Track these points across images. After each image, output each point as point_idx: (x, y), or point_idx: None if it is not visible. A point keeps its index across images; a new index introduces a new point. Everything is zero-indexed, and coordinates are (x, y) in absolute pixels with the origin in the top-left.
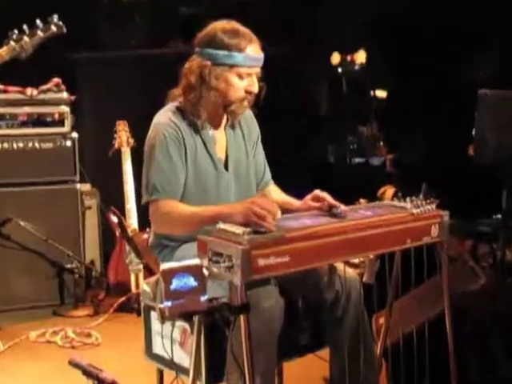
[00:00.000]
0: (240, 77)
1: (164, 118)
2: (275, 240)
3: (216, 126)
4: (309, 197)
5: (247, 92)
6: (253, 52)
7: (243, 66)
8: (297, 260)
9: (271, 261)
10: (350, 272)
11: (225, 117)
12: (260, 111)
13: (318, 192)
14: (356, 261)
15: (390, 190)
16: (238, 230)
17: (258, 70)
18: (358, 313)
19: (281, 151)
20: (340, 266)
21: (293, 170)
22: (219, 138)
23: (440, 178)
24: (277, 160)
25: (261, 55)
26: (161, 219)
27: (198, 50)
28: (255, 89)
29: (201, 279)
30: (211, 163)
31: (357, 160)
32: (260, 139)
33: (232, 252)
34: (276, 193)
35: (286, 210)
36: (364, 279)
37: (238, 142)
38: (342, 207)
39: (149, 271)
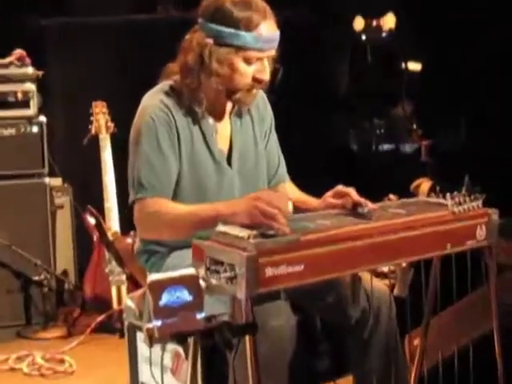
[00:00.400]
0: (248, 61)
1: (154, 99)
2: (287, 245)
3: (218, 115)
4: (329, 193)
5: (256, 80)
6: (267, 31)
7: (253, 48)
8: (313, 269)
9: (282, 270)
10: (379, 284)
11: (229, 103)
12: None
13: (340, 187)
14: (385, 270)
15: (425, 184)
16: (242, 232)
17: (271, 52)
18: (389, 333)
19: (292, 138)
20: (366, 276)
21: (307, 160)
22: (222, 127)
23: (486, 168)
24: (288, 149)
25: (276, 34)
26: (146, 220)
27: (200, 22)
28: (266, 76)
29: (197, 293)
30: (210, 157)
31: (385, 147)
32: (274, 126)
33: (235, 260)
34: (292, 191)
35: (302, 210)
36: (395, 292)
37: (246, 131)
38: (369, 205)
39: (133, 283)
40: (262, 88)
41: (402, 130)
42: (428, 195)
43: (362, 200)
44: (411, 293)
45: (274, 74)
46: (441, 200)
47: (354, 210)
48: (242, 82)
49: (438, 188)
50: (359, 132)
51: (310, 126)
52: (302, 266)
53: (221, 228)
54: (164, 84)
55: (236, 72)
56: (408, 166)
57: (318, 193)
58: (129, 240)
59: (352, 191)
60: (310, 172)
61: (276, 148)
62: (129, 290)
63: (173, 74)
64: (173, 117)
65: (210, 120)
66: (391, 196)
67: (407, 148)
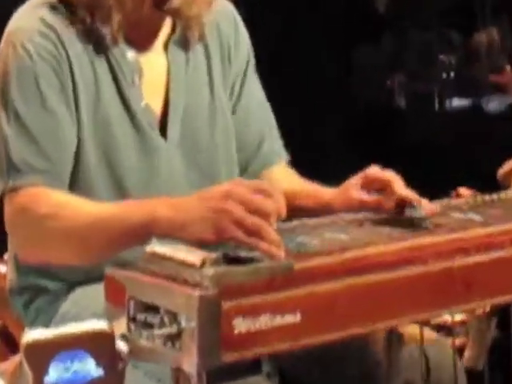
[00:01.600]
0: None
1: (30, 18)
2: (271, 277)
3: (144, 42)
4: (355, 180)
5: None
6: None
7: None
8: (319, 321)
9: (264, 322)
10: (438, 344)
11: (166, 23)
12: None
13: (374, 170)
14: (448, 320)
15: None
16: (192, 255)
17: None
18: None
19: (287, 89)
20: (414, 332)
21: (315, 129)
22: (151, 65)
23: None
24: (279, 109)
25: None
26: (23, 226)
27: None
28: None
29: (111, 363)
30: (128, 119)
31: (455, 103)
32: (252, 66)
33: (179, 304)
34: (288, 179)
35: (304, 210)
36: (466, 359)
37: (196, 74)
38: (426, 205)
39: (6, 343)
40: None
41: (484, 71)
42: None
43: (414, 196)
44: (493, 360)
45: None
46: None
47: (397, 214)
48: None
49: None
50: (410, 78)
51: (318, 67)
52: (299, 316)
53: (155, 248)
54: None
55: None
56: (494, 136)
57: (332, 183)
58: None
59: (396, 179)
60: (319, 150)
61: (258, 105)
62: None
63: None
64: (63, 46)
65: (129, 52)
66: (462, 190)
67: (494, 104)
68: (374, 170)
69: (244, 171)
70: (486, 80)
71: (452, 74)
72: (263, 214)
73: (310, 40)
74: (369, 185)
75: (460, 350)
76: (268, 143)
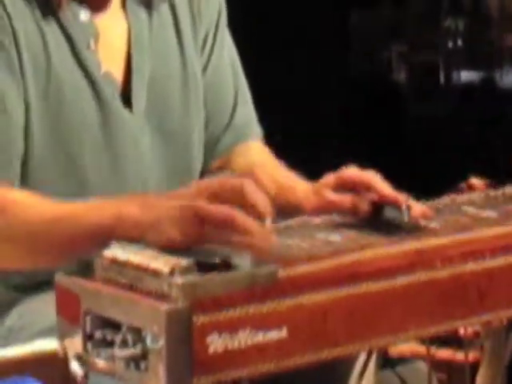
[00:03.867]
0: None
1: None
2: (252, 286)
3: (97, 2)
4: (328, 180)
5: None
6: None
7: None
8: (307, 337)
9: (243, 339)
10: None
11: None
12: None
13: (350, 171)
14: (460, 331)
15: None
16: (160, 261)
17: None
18: None
19: (267, 57)
20: (415, 349)
21: (297, 105)
22: (109, 27)
23: None
24: (257, 80)
25: None
26: None
27: None
28: None
29: None
30: (89, 88)
31: (464, 76)
32: (224, 23)
33: (144, 319)
34: (263, 162)
35: (282, 206)
36: (480, 378)
37: (162, 35)
38: (415, 207)
39: None
40: None
41: (498, 40)
42: None
43: (399, 196)
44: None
45: None
46: None
47: (378, 217)
48: None
49: None
50: (410, 47)
51: (308, 32)
52: (284, 332)
53: (114, 251)
54: None
55: None
56: (509, 115)
57: (325, 161)
58: None
59: (377, 180)
60: (301, 131)
61: (231, 68)
62: None
63: None
64: (3, 8)
65: (82, 12)
66: (474, 181)
67: (508, 79)
68: (351, 171)
69: (213, 147)
70: (499, 49)
71: (460, 43)
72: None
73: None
74: (344, 186)
75: (473, 368)
76: (241, 113)
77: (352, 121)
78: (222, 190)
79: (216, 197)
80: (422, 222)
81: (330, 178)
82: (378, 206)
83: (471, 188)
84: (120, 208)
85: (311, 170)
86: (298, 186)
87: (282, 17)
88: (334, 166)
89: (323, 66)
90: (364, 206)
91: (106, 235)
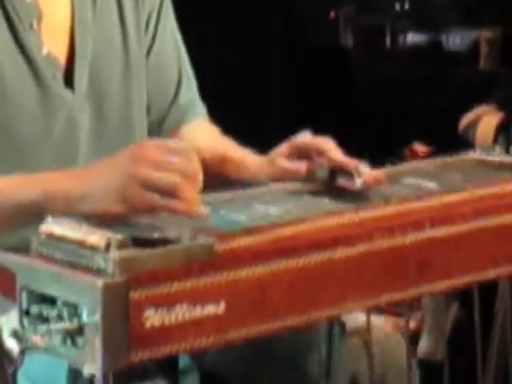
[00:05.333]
0: None
1: None
2: (189, 260)
3: None
4: (282, 149)
5: None
6: None
7: None
8: (245, 312)
9: (180, 314)
10: (384, 329)
11: None
12: None
13: (302, 137)
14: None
15: (489, 119)
16: (95, 236)
17: None
18: None
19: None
20: (358, 317)
21: (242, 78)
22: (52, 6)
23: None
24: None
25: None
26: None
27: None
28: None
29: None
30: (29, 71)
31: (410, 38)
32: (168, 6)
33: (80, 294)
34: (206, 138)
35: (227, 181)
36: (421, 348)
37: (105, 16)
38: (366, 172)
39: None
40: None
41: (445, 2)
42: (494, 142)
43: (351, 163)
44: (453, 349)
45: None
46: None
47: (332, 183)
48: None
49: None
50: (357, 8)
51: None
52: (222, 306)
53: (50, 226)
54: None
55: None
56: (455, 80)
57: (272, 131)
58: None
59: (330, 146)
60: (247, 105)
61: (174, 48)
62: None
63: None
64: None
65: None
66: (417, 146)
67: (456, 41)
68: (304, 137)
69: (157, 127)
70: (446, 11)
71: (406, 5)
72: (180, 175)
73: None
74: (298, 153)
75: (411, 337)
76: (185, 94)
77: (297, 85)
78: (160, 153)
79: (156, 163)
80: (374, 187)
81: (283, 146)
82: (332, 172)
83: (414, 154)
84: (48, 183)
85: (260, 140)
86: (249, 158)
87: None
88: (284, 134)
89: (267, 30)
90: (321, 174)
91: (36, 211)
